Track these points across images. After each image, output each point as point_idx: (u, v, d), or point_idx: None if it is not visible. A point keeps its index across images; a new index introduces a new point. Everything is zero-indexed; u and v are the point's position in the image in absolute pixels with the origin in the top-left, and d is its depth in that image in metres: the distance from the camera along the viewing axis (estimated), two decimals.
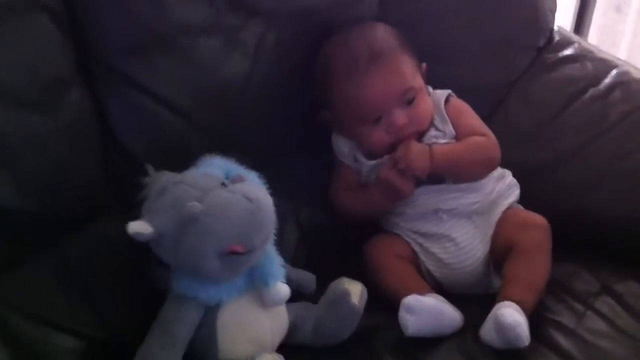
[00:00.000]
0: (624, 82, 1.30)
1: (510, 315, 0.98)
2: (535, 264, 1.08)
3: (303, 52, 1.17)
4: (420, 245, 1.15)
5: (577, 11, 1.83)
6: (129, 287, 0.97)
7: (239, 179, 0.93)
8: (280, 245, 1.02)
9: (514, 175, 1.21)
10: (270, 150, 1.17)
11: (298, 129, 1.21)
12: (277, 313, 0.98)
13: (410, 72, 1.14)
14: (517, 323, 0.98)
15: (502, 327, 0.97)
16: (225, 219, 0.87)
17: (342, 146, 1.20)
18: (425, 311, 1.02)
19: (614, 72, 1.32)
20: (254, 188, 0.92)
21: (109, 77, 0.98)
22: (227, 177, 0.95)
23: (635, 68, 1.35)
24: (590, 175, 1.23)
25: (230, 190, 0.90)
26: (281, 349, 0.99)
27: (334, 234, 1.23)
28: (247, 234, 0.88)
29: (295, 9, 1.14)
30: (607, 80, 1.31)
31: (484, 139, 1.16)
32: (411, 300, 1.02)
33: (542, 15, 1.39)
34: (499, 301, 1.03)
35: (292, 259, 1.12)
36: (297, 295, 1.04)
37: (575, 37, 1.45)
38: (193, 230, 0.86)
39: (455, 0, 1.33)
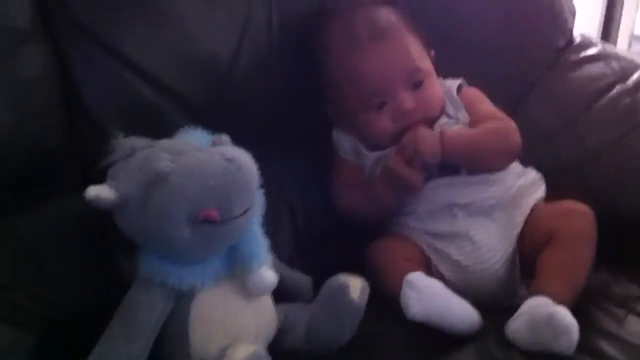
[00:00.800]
0: None
1: (567, 316, 0.84)
2: (578, 256, 0.94)
3: (301, 35, 1.05)
4: (433, 246, 1.01)
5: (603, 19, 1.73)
6: (89, 273, 0.83)
7: (219, 142, 0.80)
8: (274, 250, 0.87)
9: None
10: (263, 140, 1.04)
11: (296, 119, 1.09)
12: (262, 305, 0.83)
13: (417, 52, 1.03)
14: (574, 327, 0.84)
15: (556, 328, 0.83)
16: (198, 176, 0.74)
17: (344, 141, 1.08)
18: (431, 291, 0.88)
19: None
20: (235, 149, 0.79)
21: (75, 34, 0.87)
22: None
23: None
24: (622, 172, 1.11)
25: (207, 151, 0.78)
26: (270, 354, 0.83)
27: (334, 239, 1.09)
28: (223, 196, 0.75)
29: None
30: (636, 76, 1.20)
31: (503, 122, 1.04)
32: (415, 276, 0.88)
33: (561, 15, 1.29)
34: (534, 294, 0.89)
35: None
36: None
37: (597, 40, 1.35)
38: (161, 190, 0.73)
39: None
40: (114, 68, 0.89)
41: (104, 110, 0.88)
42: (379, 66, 0.99)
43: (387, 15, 1.04)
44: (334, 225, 1.08)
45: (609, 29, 1.73)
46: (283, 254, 1.01)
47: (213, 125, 0.88)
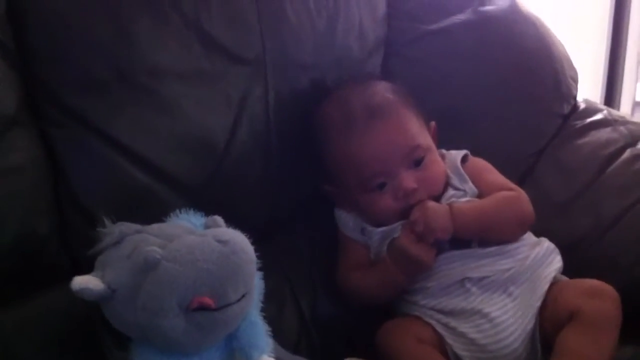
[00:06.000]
0: None
1: None
2: (602, 340, 0.87)
3: (298, 112, 1.03)
4: (446, 325, 0.95)
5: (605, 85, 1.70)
6: None
7: (212, 224, 0.76)
8: (278, 336, 0.83)
9: None
10: (262, 221, 1.00)
11: (296, 198, 1.06)
12: None
13: (415, 129, 1.00)
14: None
15: None
16: (190, 262, 0.70)
17: (347, 219, 1.04)
18: None
19: None
20: (229, 231, 0.75)
21: (63, 119, 0.84)
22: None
23: None
24: None
25: (200, 234, 0.73)
26: None
27: (341, 322, 1.03)
28: (218, 282, 0.70)
29: (287, 61, 1.02)
30: None
31: (513, 192, 0.99)
32: None
33: (564, 82, 1.26)
34: None
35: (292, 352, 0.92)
36: None
37: (602, 106, 1.32)
38: (151, 279, 0.69)
39: (467, 66, 1.20)
40: (104, 151, 0.85)
41: (93, 195, 0.85)
42: (377, 147, 0.96)
43: (384, 92, 1.02)
44: (340, 308, 1.03)
45: (612, 95, 1.71)
46: (288, 339, 0.96)
47: (209, 207, 0.84)
